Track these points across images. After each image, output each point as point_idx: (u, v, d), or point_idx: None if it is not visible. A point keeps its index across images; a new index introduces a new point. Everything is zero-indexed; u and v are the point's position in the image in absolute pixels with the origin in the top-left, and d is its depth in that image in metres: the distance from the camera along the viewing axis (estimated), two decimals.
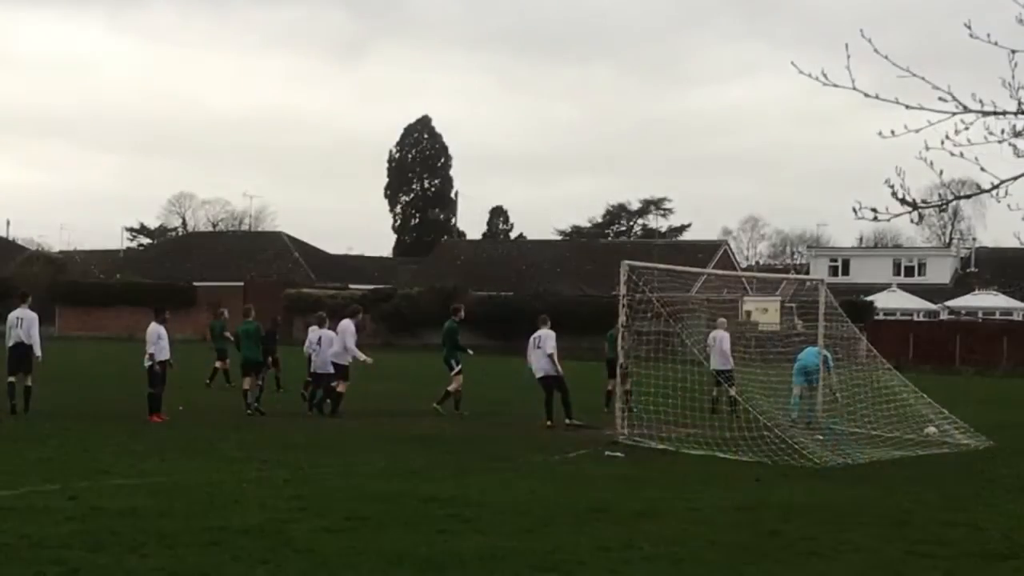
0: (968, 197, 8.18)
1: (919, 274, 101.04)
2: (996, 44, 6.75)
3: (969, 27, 6.71)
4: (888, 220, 7.82)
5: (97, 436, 25.15)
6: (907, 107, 6.81)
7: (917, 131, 6.83)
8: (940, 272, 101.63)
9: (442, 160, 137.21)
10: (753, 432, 25.95)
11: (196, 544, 14.01)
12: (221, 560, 13.25)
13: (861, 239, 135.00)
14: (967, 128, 6.80)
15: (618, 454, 25.08)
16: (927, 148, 6.92)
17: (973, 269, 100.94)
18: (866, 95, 6.90)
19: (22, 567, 12.41)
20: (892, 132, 6.97)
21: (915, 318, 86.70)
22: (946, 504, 19.62)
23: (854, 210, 7.77)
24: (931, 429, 29.76)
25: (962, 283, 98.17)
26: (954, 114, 6.86)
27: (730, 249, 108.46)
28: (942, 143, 6.88)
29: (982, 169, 7.25)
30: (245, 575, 12.46)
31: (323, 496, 17.93)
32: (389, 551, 14.02)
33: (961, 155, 6.86)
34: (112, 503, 16.74)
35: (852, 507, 18.91)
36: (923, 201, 7.35)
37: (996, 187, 7.18)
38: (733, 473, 22.75)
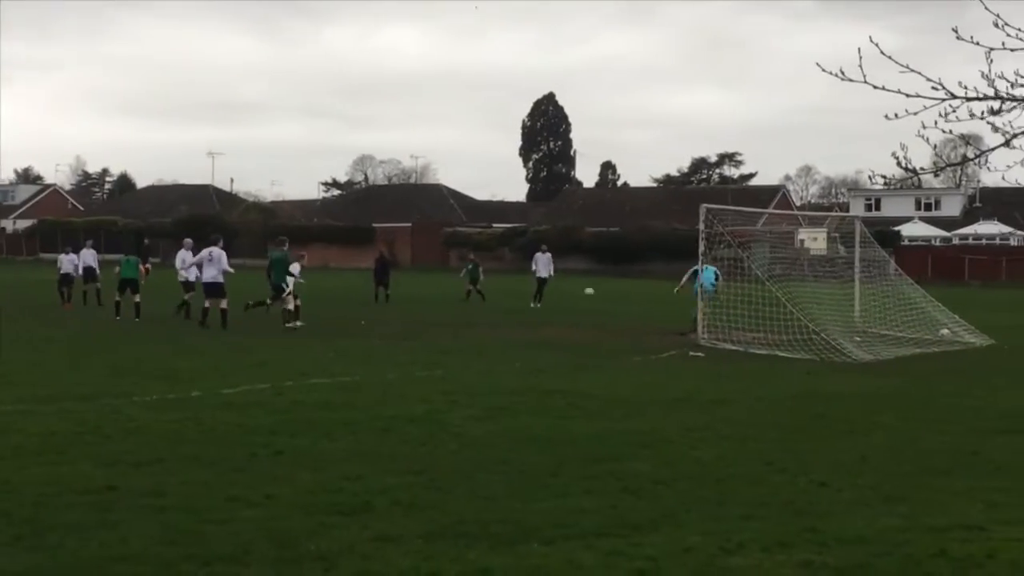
0: (956, 165, 8.13)
1: (936, 209, 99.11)
2: (978, 44, 6.75)
3: (956, 31, 6.75)
4: (899, 186, 7.92)
5: (300, 347, 25.45)
6: (907, 96, 6.87)
7: (915, 114, 6.91)
8: (952, 207, 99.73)
9: (563, 127, 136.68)
10: (804, 335, 25.80)
11: (373, 430, 14.12)
12: (392, 442, 13.39)
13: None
14: (954, 111, 6.87)
15: (700, 354, 25.03)
16: (924, 127, 7.00)
17: (978, 204, 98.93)
18: (875, 87, 6.95)
19: (239, 449, 12.62)
20: (896, 115, 7.04)
21: (933, 243, 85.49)
22: (956, 390, 19.40)
23: (869, 177, 7.86)
24: (945, 331, 29.47)
25: (970, 215, 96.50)
26: (943, 100, 6.88)
27: (787, 192, 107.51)
28: (935, 123, 6.95)
29: (968, 143, 7.41)
30: (409, 455, 12.54)
31: (470, 391, 18.00)
32: (521, 434, 14.07)
33: (951, 132, 6.99)
34: (309, 398, 16.92)
35: (882, 394, 18.74)
36: (921, 168, 7.41)
37: (978, 156, 7.22)
38: (790, 368, 22.63)
